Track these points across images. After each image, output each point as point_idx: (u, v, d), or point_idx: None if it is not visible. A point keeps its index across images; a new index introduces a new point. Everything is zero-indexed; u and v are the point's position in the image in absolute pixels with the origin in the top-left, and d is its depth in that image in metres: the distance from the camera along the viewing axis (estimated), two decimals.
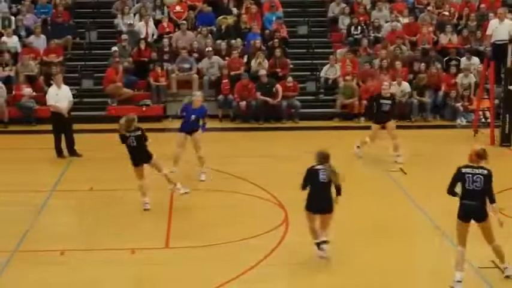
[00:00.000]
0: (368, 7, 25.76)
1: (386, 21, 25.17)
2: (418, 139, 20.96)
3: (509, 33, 19.90)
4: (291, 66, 23.74)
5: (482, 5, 25.76)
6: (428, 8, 25.55)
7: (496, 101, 20.38)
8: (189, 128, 15.94)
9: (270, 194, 15.10)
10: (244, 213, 14.10)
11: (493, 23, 20.49)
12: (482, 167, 10.80)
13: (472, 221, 10.84)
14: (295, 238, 12.52)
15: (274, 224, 13.24)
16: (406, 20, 25.11)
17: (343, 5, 25.51)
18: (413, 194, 15.24)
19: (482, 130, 20.59)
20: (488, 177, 10.72)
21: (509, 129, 19.29)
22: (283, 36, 24.60)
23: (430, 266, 11.81)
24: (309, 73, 24.18)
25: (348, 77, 22.65)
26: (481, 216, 10.82)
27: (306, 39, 25.21)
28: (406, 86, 22.70)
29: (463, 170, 10.79)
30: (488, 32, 20.74)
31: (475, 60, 23.56)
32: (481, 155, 10.81)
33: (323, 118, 22.64)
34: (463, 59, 23.74)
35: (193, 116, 15.91)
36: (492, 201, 10.92)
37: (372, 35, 24.79)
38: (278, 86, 22.52)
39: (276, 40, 23.82)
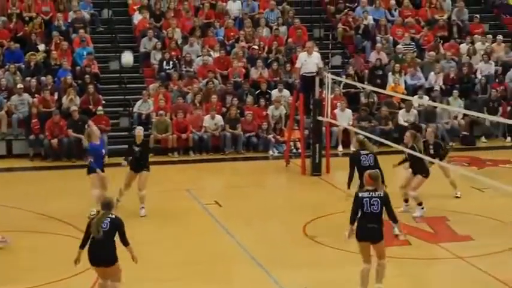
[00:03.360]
0: (180, 42, 25.89)
1: (198, 56, 25.38)
2: (232, 172, 21.27)
3: (317, 65, 20.54)
4: (104, 102, 23.42)
5: (290, 39, 26.48)
6: (240, 42, 25.97)
7: (306, 132, 20.90)
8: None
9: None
10: (60, 254, 13.64)
11: (302, 56, 21.04)
12: (377, 190, 11.18)
13: None
14: None
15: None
16: (217, 54, 25.42)
17: (155, 40, 25.51)
18: (228, 225, 15.32)
19: (293, 160, 21.09)
20: (384, 199, 11.10)
21: (319, 159, 19.82)
22: (95, 71, 24.29)
23: None
24: (121, 109, 23.93)
25: (161, 112, 22.59)
26: (378, 238, 11.15)
27: (118, 75, 24.98)
28: (219, 119, 22.91)
29: (360, 195, 11.17)
30: (297, 65, 21.26)
31: (286, 92, 24.13)
32: (375, 178, 11.27)
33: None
34: (274, 92, 24.26)
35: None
36: (395, 221, 11.42)
37: (184, 69, 24.92)
38: (90, 122, 22.09)
39: (87, 76, 23.47)
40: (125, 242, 10.60)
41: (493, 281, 12.30)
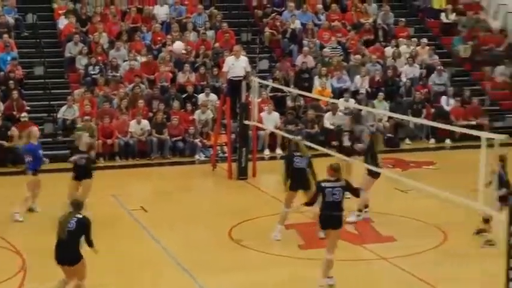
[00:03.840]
0: (106, 47, 25.66)
1: (125, 60, 25.19)
2: (159, 177, 21.15)
3: (245, 69, 20.58)
4: (28, 108, 23.06)
5: (217, 43, 26.49)
6: (167, 46, 25.84)
7: (233, 136, 20.91)
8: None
9: (6, 241, 14.53)
10: None
11: (230, 60, 21.03)
12: (339, 180, 11.83)
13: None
14: (33, 285, 12.20)
15: (11, 273, 12.71)
16: (144, 59, 25.27)
17: (81, 45, 25.22)
18: (154, 230, 15.23)
19: (220, 164, 21.08)
20: (346, 187, 11.83)
21: (245, 163, 19.86)
22: (19, 77, 23.92)
23: None
24: (46, 115, 23.56)
25: (86, 117, 22.34)
26: (338, 225, 11.82)
27: (42, 80, 24.62)
28: (145, 124, 22.76)
29: (323, 185, 11.81)
30: (224, 69, 21.25)
31: (213, 96, 24.10)
32: (336, 169, 11.89)
33: (64, 160, 22.08)
34: (201, 96, 24.22)
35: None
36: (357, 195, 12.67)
37: (110, 74, 24.71)
38: (13, 128, 21.77)
39: (11, 82, 23.10)
40: (90, 243, 10.74)
41: (415, 280, 12.51)
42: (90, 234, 10.73)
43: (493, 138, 10.74)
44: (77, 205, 10.93)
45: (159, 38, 26.40)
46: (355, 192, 12.45)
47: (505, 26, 30.22)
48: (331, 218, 11.78)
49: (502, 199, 12.83)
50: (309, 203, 12.52)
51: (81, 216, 10.74)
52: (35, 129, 16.22)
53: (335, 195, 11.75)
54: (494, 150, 10.82)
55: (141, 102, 23.19)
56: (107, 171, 20.88)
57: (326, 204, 11.77)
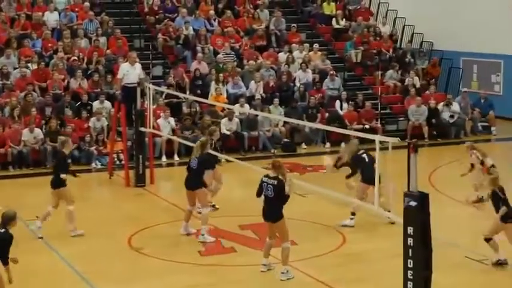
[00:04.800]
0: None
1: (15, 68, 24.64)
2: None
3: (139, 76, 20.43)
4: None
5: (109, 50, 26.20)
6: (58, 53, 25.39)
7: (129, 143, 20.71)
8: None
9: None
10: None
11: (124, 67, 20.82)
12: (275, 178, 12.38)
13: None
14: None
15: None
16: (35, 66, 24.77)
17: None
18: (51, 241, 14.93)
19: (117, 172, 20.86)
20: (277, 187, 12.31)
21: (143, 170, 19.69)
22: None
23: None
24: None
25: None
26: (274, 218, 12.50)
27: None
28: (38, 132, 22.27)
29: (263, 179, 12.53)
30: (119, 76, 21.04)
31: (107, 103, 23.82)
32: (275, 166, 12.50)
33: None
34: (95, 103, 23.90)
35: None
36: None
37: (1, 82, 24.11)
38: None
39: None
40: (4, 261, 10.57)
41: (315, 282, 12.68)
42: (6, 251, 10.61)
43: (387, 141, 10.96)
44: (4, 218, 10.79)
45: (50, 45, 25.96)
46: (282, 198, 12.50)
47: (395, 31, 31.02)
48: (265, 211, 12.59)
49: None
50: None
51: (2, 231, 10.61)
52: None
53: (268, 190, 12.41)
54: (387, 152, 11.01)
55: (33, 111, 22.69)
56: (0, 182, 20.37)
57: (264, 197, 12.54)
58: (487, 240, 13.16)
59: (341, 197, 12.87)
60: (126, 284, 12.75)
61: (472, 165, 17.29)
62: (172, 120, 23.48)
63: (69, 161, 15.59)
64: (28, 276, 12.80)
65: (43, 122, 22.97)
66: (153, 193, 19.10)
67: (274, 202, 12.48)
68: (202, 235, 14.73)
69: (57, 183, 15.13)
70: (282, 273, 12.69)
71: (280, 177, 12.43)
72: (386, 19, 31.37)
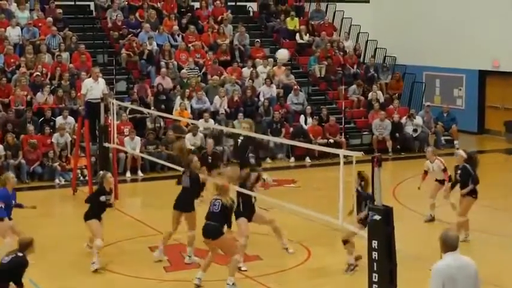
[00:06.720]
0: None
1: None
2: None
3: (103, 92, 20.35)
4: None
5: (71, 65, 26.06)
6: (21, 69, 25.20)
7: (93, 159, 20.60)
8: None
9: None
10: None
11: (88, 82, 20.77)
12: (220, 195, 12.69)
13: None
14: None
15: None
16: None
17: None
18: None
19: (81, 188, 20.71)
20: (224, 205, 12.58)
21: None
22: None
23: None
24: None
25: None
26: (216, 235, 12.57)
27: None
28: (0, 148, 22.10)
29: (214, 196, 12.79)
30: (82, 91, 20.97)
31: (70, 119, 23.69)
32: (216, 188, 12.87)
33: None
34: (59, 119, 23.76)
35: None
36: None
37: None
38: None
39: None
40: (19, 286, 10.64)
41: None
42: (20, 275, 10.73)
43: (351, 156, 10.99)
44: (21, 244, 10.94)
45: (12, 60, 25.77)
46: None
47: (358, 46, 31.25)
48: (209, 227, 12.59)
49: (362, 221, 12.66)
50: None
51: (20, 254, 10.74)
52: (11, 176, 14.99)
53: (215, 206, 12.64)
54: (352, 167, 11.05)
55: None
56: None
57: (208, 213, 12.71)
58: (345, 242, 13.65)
59: (305, 211, 12.87)
60: None
61: (426, 172, 17.12)
62: (137, 138, 23.26)
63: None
64: None
65: (5, 137, 22.76)
66: (117, 209, 18.96)
67: (220, 218, 12.65)
68: (189, 256, 14.50)
69: None
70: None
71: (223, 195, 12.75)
72: (349, 34, 31.62)
